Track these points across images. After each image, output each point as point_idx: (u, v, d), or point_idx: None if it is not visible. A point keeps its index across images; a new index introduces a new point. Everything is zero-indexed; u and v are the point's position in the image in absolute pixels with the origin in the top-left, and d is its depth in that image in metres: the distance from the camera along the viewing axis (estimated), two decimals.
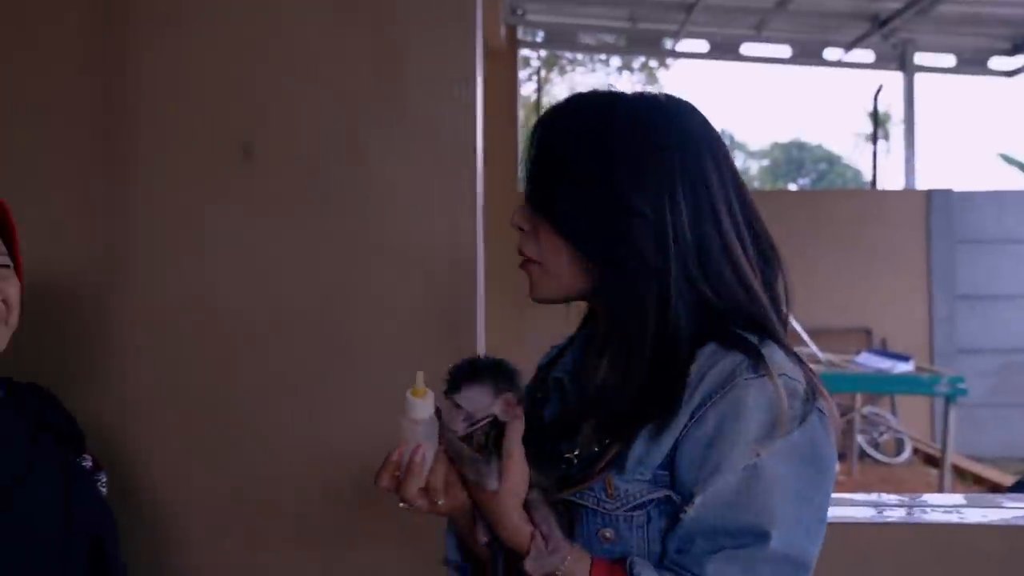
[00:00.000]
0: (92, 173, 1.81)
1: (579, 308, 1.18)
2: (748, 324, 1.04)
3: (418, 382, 1.03)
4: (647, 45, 8.78)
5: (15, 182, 1.73)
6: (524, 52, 11.02)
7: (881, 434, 7.01)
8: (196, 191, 1.81)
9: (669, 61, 16.43)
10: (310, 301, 1.80)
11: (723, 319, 1.04)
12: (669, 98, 1.10)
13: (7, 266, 1.29)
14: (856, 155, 23.84)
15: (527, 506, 1.03)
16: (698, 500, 0.99)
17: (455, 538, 1.17)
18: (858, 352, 5.86)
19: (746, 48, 8.17)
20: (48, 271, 1.75)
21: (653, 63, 17.80)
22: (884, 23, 7.04)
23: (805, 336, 5.45)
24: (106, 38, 1.80)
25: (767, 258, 1.08)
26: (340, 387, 1.80)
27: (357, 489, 1.79)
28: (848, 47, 7.89)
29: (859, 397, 6.33)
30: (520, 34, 7.63)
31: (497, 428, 1.03)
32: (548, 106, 1.11)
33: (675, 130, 1.06)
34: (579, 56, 17.96)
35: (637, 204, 1.02)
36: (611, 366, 1.05)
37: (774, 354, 1.02)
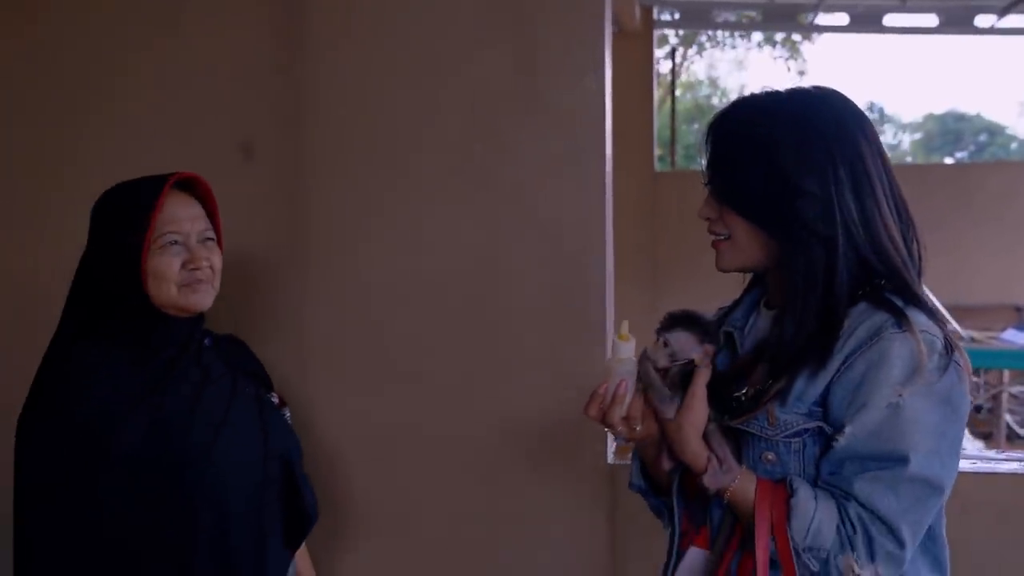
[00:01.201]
0: (278, 164, 2.09)
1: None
2: (897, 284, 1.21)
3: (623, 329, 1.26)
4: (784, 20, 8.64)
5: (215, 170, 2.03)
6: (663, 31, 11.02)
7: None
8: (361, 179, 2.06)
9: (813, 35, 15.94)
10: (456, 273, 2.03)
11: (875, 281, 1.21)
12: (819, 89, 1.28)
13: (212, 239, 1.53)
14: (1021, 124, 22.47)
15: (706, 436, 1.23)
16: (848, 430, 1.16)
17: (640, 464, 1.40)
18: (1004, 329, 5.70)
19: (890, 19, 7.91)
20: (243, 245, 2.05)
21: (796, 36, 17.31)
22: None
23: (944, 312, 5.35)
24: (292, 44, 2.07)
25: (906, 224, 1.25)
26: (484, 349, 2.03)
27: (503, 439, 2.03)
28: (1001, 12, 7.54)
29: (1007, 375, 6.14)
30: (656, 14, 7.67)
31: (689, 370, 1.24)
32: (718, 109, 1.31)
33: (829, 117, 1.23)
34: (718, 33, 17.66)
35: (805, 185, 1.19)
36: (786, 320, 1.22)
37: (917, 314, 1.18)
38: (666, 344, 1.25)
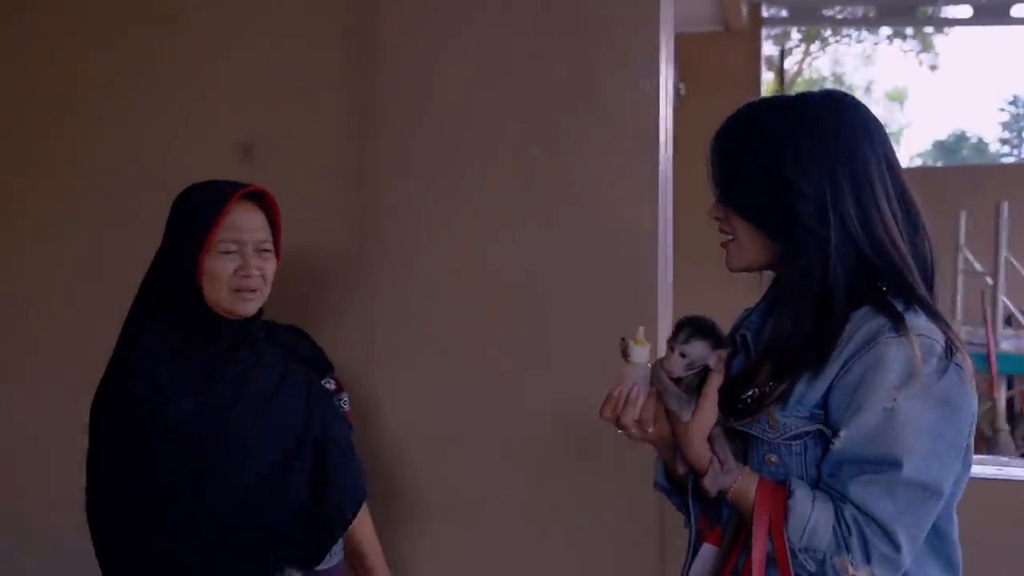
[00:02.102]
0: (349, 168, 2.22)
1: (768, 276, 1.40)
2: (898, 285, 1.22)
3: (639, 334, 1.30)
4: (901, 14, 8.32)
5: (287, 171, 2.19)
6: (783, 28, 10.71)
7: None
8: (425, 181, 2.16)
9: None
10: (515, 269, 2.11)
11: (877, 282, 1.22)
12: (827, 93, 1.30)
13: (269, 249, 1.63)
14: None
15: (710, 438, 1.26)
16: (843, 434, 1.17)
17: (663, 466, 1.44)
18: None
19: (1018, 10, 7.54)
20: (319, 245, 2.21)
21: (928, 29, 16.62)
22: None
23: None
24: (359, 56, 2.20)
25: (913, 226, 1.25)
26: (539, 342, 2.10)
27: (555, 434, 2.10)
28: None
29: None
30: (764, 11, 7.53)
31: (703, 375, 1.28)
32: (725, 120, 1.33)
33: (832, 119, 1.25)
34: (842, 29, 17.11)
35: (802, 187, 1.21)
36: (784, 318, 1.25)
37: (916, 318, 1.19)
38: (683, 355, 1.28)
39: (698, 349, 1.27)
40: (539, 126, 2.07)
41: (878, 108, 21.40)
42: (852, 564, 1.16)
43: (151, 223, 1.68)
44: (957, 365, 1.18)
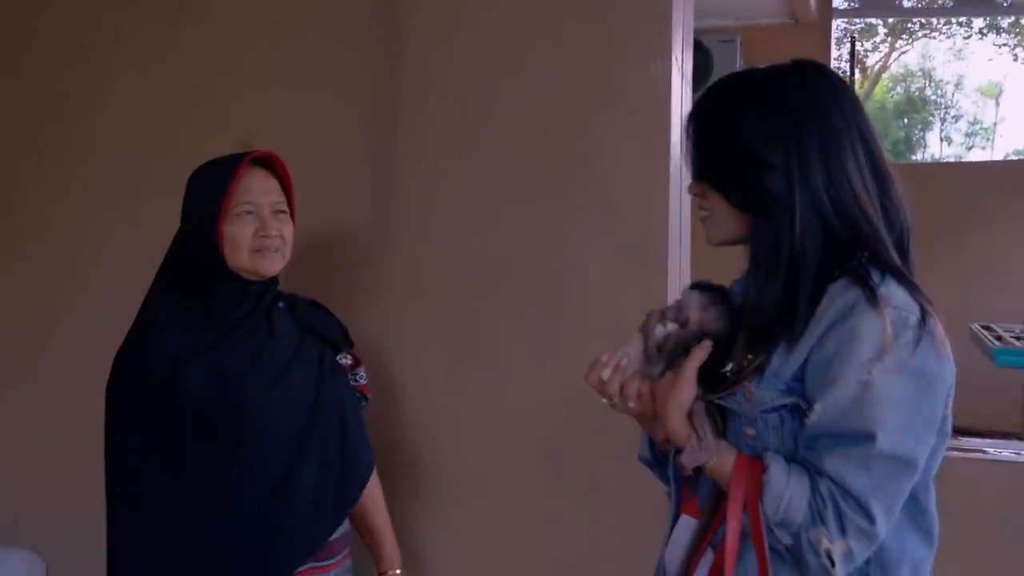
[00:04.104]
0: (372, 150, 2.27)
1: None
2: (870, 255, 1.21)
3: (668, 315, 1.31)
4: (979, 4, 8.01)
5: (310, 149, 2.24)
6: (867, 21, 10.40)
7: None
8: (445, 163, 2.20)
9: None
10: (531, 248, 2.14)
11: (851, 253, 1.22)
12: (796, 62, 1.29)
13: (285, 212, 1.70)
14: None
15: (690, 414, 1.26)
16: (818, 407, 1.17)
17: (648, 439, 1.47)
18: None
19: None
20: (343, 223, 2.27)
21: None
22: None
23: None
24: (384, 42, 2.25)
25: (887, 193, 1.25)
26: (554, 321, 2.12)
27: (570, 413, 2.11)
28: None
29: None
30: (835, 2, 7.36)
31: (687, 343, 1.28)
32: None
33: (797, 87, 1.25)
34: (932, 20, 16.54)
35: (766, 156, 1.22)
36: (754, 289, 1.26)
37: (895, 289, 1.19)
38: (680, 298, 1.31)
39: (691, 296, 1.29)
40: (557, 107, 2.10)
41: (968, 103, 20.70)
42: (827, 537, 1.16)
43: (159, 217, 1.76)
44: (930, 334, 1.16)
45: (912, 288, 1.20)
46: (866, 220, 1.21)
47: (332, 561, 1.75)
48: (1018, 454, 1.86)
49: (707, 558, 1.27)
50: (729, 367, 1.28)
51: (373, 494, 1.89)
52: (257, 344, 1.66)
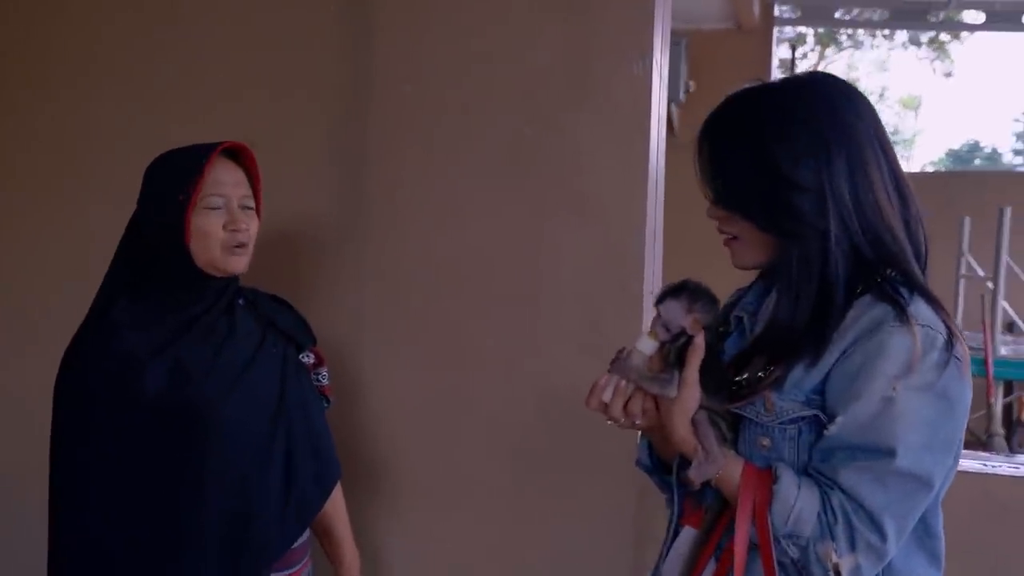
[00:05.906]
0: (342, 145, 2.20)
1: None
2: (896, 272, 1.20)
3: (655, 326, 1.27)
4: (912, 18, 8.26)
5: (284, 149, 2.17)
6: (799, 30, 10.63)
7: None
8: (417, 159, 2.15)
9: (963, 34, 15.13)
10: (504, 247, 2.10)
11: (876, 268, 1.19)
12: (812, 75, 1.27)
13: (251, 208, 1.62)
14: None
15: (693, 423, 1.23)
16: (839, 420, 1.15)
17: (648, 445, 1.43)
18: None
19: None
20: (309, 217, 2.19)
21: (944, 36, 16.49)
22: None
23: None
24: (354, 33, 2.18)
25: (906, 207, 1.23)
26: (527, 324, 2.09)
27: (541, 414, 2.09)
28: None
29: None
30: (777, 10, 7.51)
31: (684, 346, 1.24)
32: (707, 116, 1.29)
33: (820, 102, 1.21)
34: (858, 32, 17.00)
35: (798, 178, 1.17)
36: (782, 307, 1.22)
37: (922, 308, 1.17)
38: (658, 316, 1.26)
39: (672, 309, 1.24)
40: (532, 107, 2.06)
41: (891, 114, 21.33)
42: (836, 552, 1.14)
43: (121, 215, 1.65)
44: (957, 359, 1.16)
45: (939, 307, 1.19)
46: (891, 235, 1.20)
47: (292, 570, 1.69)
48: (984, 465, 1.90)
49: (709, 568, 1.25)
50: (745, 376, 1.26)
51: (335, 499, 1.82)
52: (217, 341, 1.57)
